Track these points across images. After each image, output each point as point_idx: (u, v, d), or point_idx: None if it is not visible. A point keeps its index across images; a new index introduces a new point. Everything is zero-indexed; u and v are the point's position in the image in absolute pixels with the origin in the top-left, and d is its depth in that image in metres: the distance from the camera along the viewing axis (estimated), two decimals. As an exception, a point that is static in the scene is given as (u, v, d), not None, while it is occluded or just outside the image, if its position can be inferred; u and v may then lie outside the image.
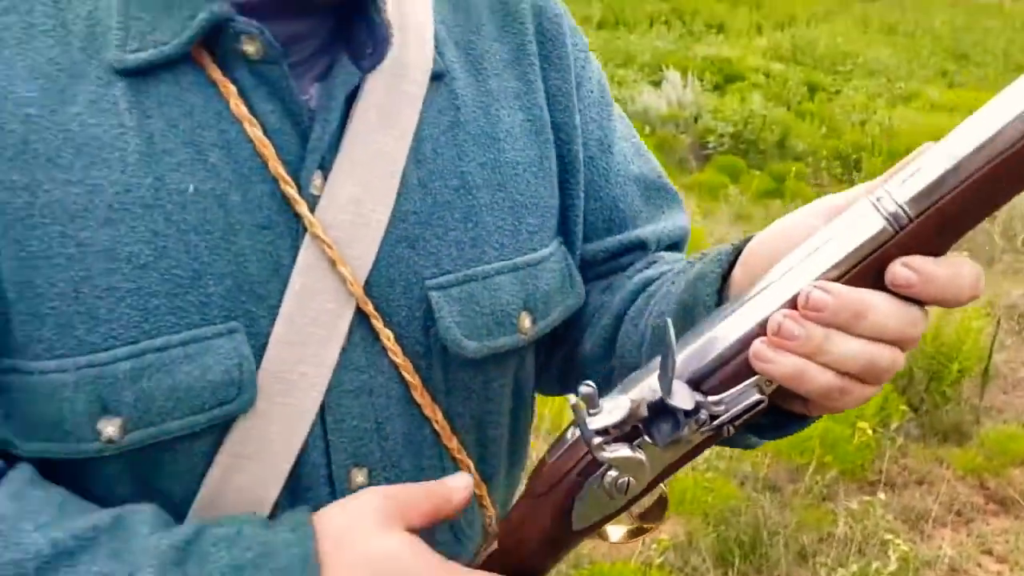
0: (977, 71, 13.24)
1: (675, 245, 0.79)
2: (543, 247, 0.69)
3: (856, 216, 0.51)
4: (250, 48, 0.57)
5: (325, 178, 0.60)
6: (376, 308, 0.61)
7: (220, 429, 0.59)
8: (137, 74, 0.57)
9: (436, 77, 0.65)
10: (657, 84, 8.05)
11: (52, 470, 0.58)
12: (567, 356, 0.76)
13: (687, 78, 7.88)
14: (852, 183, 4.95)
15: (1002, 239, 5.15)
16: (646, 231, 0.76)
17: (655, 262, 0.74)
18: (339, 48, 0.62)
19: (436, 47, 0.66)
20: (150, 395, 0.56)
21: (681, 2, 14.39)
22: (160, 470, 0.59)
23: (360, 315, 0.61)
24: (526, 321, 0.67)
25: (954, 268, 0.50)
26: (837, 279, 0.50)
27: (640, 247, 0.76)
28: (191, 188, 0.57)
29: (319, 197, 0.60)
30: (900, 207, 0.49)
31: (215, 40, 0.57)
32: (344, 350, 0.61)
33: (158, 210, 0.56)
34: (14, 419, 0.57)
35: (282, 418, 0.60)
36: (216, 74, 0.58)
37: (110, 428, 0.55)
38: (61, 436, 0.56)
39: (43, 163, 0.55)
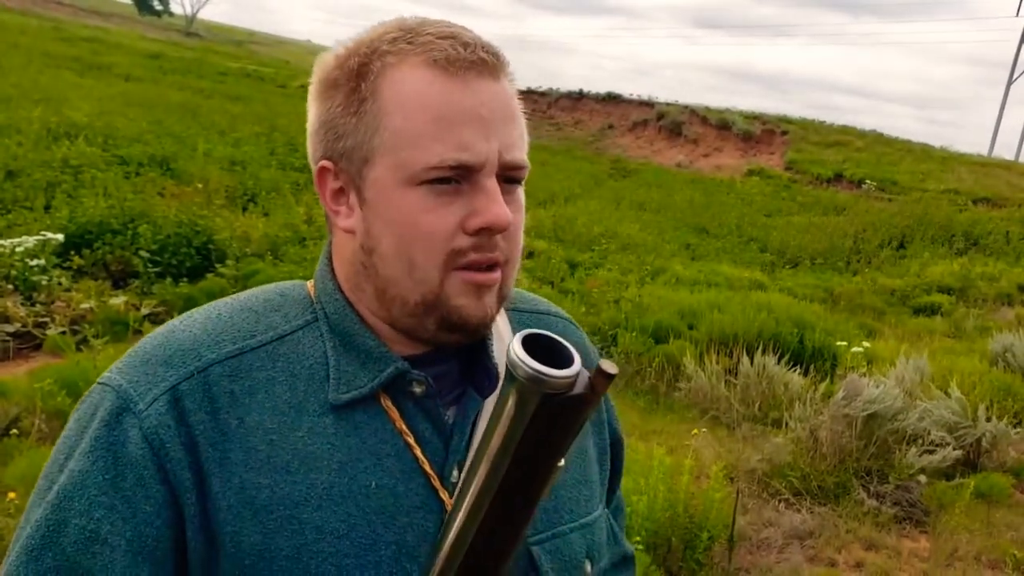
0: (715, 243, 14.93)
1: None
2: (595, 510, 0.97)
3: None
4: (418, 389, 0.84)
5: (460, 470, 0.84)
6: None
7: None
8: (342, 407, 0.82)
9: None
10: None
11: None
12: None
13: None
14: (611, 355, 5.39)
15: (741, 406, 5.77)
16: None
17: None
18: (466, 382, 0.88)
19: None
20: None
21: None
22: None
23: None
24: (588, 566, 0.93)
25: None
26: None
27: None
28: (373, 484, 0.81)
29: (456, 483, 0.83)
30: None
31: (392, 383, 0.83)
32: None
33: (351, 499, 0.80)
34: None
35: None
36: (388, 402, 0.84)
37: None
38: None
39: (279, 469, 0.79)
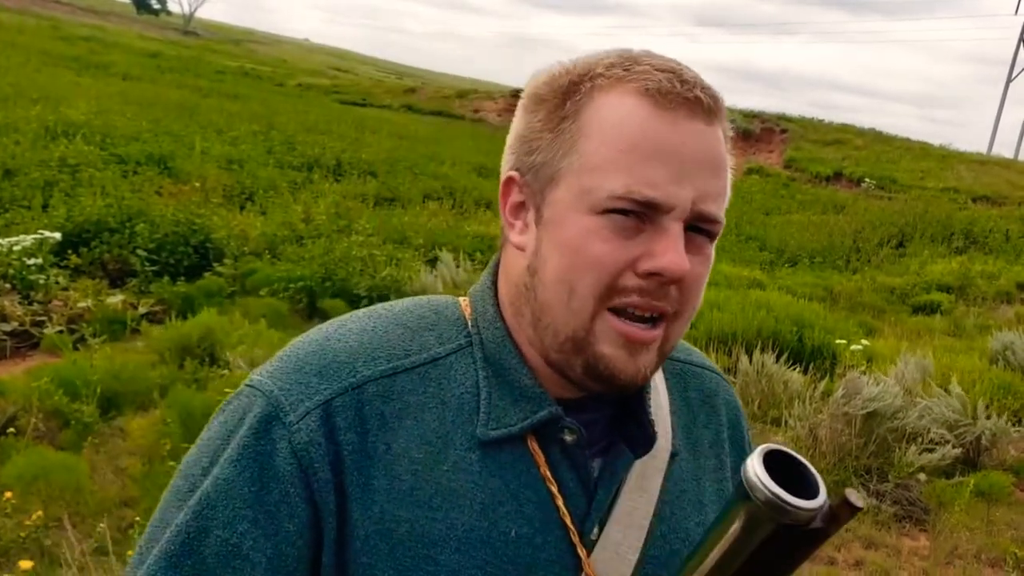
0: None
1: None
2: None
3: None
4: (568, 437, 0.79)
5: (600, 528, 0.81)
6: None
7: None
8: (489, 444, 0.78)
9: (672, 455, 0.87)
10: (432, 263, 8.48)
11: None
12: None
13: (459, 257, 8.37)
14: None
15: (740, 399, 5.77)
16: None
17: None
18: (616, 433, 0.83)
19: (672, 433, 0.88)
20: None
21: (452, 181, 15.30)
22: None
23: None
24: None
25: None
26: None
27: None
28: (513, 532, 0.77)
29: (595, 542, 0.80)
30: None
31: (543, 426, 0.79)
32: None
33: (489, 546, 0.76)
34: None
35: None
36: (535, 446, 0.79)
37: None
38: None
39: (421, 504, 0.75)
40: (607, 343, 0.75)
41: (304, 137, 17.35)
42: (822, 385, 5.45)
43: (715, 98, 0.76)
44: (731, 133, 0.80)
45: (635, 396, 0.82)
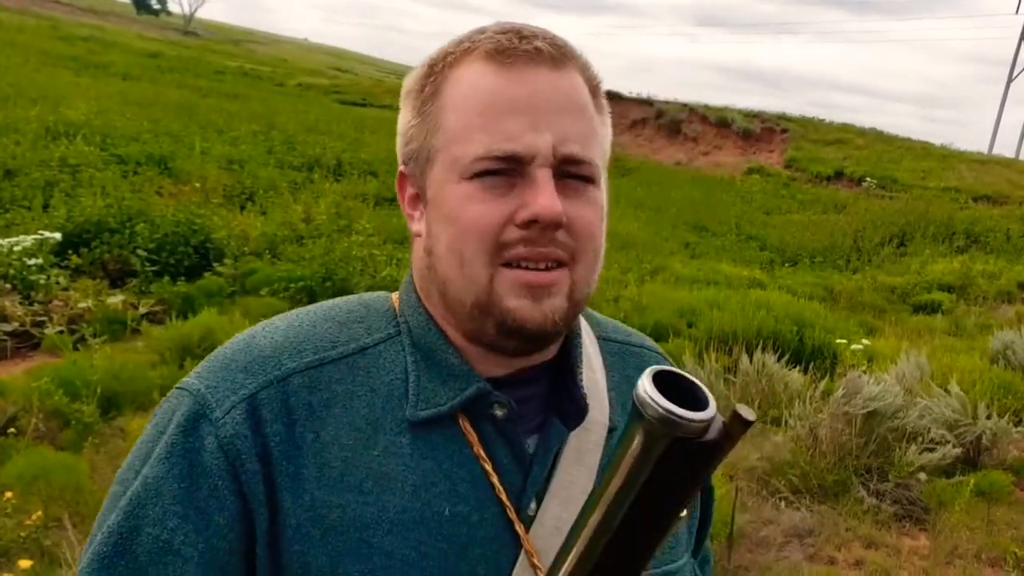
0: (715, 241, 14.92)
1: None
2: (680, 558, 0.91)
3: None
4: (499, 412, 0.80)
5: (539, 503, 0.81)
6: None
7: None
8: (420, 426, 0.79)
9: (610, 430, 0.88)
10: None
11: None
12: None
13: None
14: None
15: (741, 401, 5.76)
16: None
17: None
18: (550, 409, 0.84)
19: (611, 409, 0.89)
20: None
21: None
22: None
23: None
24: None
25: None
26: None
27: None
28: (447, 511, 0.78)
29: (533, 518, 0.81)
30: None
31: (473, 404, 0.80)
32: None
33: (423, 526, 0.77)
34: None
35: None
36: (466, 425, 0.80)
37: None
38: None
39: (352, 489, 0.77)
40: (510, 296, 0.77)
41: (304, 137, 17.36)
42: (822, 385, 5.44)
43: (559, 46, 0.79)
44: (598, 80, 0.82)
45: (566, 369, 0.84)
